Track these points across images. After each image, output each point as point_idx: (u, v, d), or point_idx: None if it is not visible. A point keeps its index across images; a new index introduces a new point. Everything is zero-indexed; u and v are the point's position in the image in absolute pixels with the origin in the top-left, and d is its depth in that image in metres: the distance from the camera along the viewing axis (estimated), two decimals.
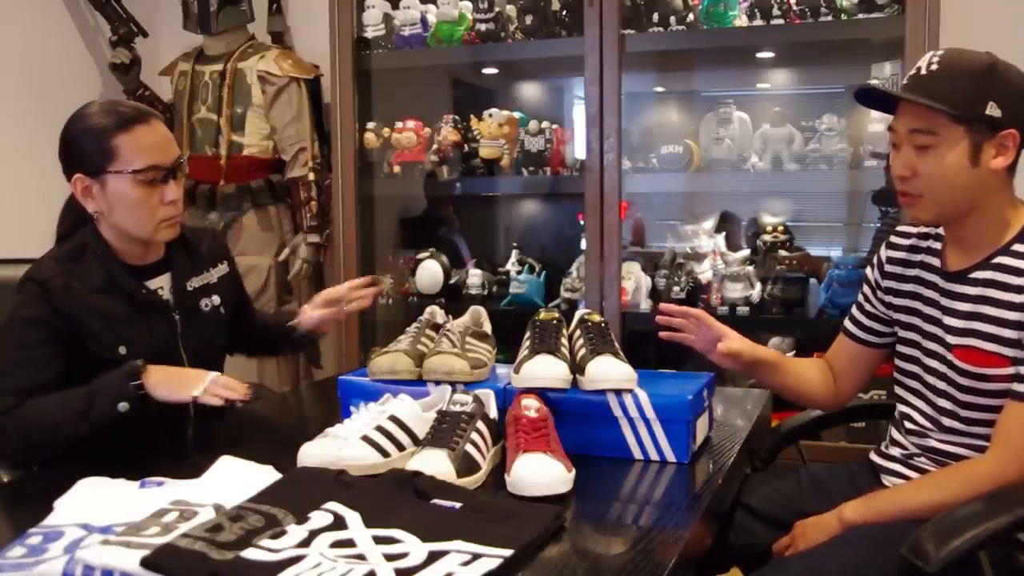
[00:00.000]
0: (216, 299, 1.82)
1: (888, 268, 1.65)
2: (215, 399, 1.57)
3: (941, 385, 1.53)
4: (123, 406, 1.54)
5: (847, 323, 1.74)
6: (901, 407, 1.63)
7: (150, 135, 1.65)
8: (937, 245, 1.58)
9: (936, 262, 1.57)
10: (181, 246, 1.77)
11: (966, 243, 1.51)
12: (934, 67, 1.42)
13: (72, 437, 1.52)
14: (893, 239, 1.67)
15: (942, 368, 1.53)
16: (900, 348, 1.63)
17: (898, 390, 1.64)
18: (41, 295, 1.60)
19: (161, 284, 1.74)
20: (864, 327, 1.70)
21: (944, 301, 1.53)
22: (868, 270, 1.71)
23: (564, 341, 1.58)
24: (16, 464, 1.56)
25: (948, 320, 1.52)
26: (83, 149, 1.63)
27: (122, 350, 1.65)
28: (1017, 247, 1.45)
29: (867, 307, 1.70)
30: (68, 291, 1.61)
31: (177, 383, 1.58)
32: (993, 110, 1.39)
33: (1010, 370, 1.43)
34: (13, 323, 1.61)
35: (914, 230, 1.64)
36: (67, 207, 1.73)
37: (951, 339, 1.50)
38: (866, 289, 1.71)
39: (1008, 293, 1.43)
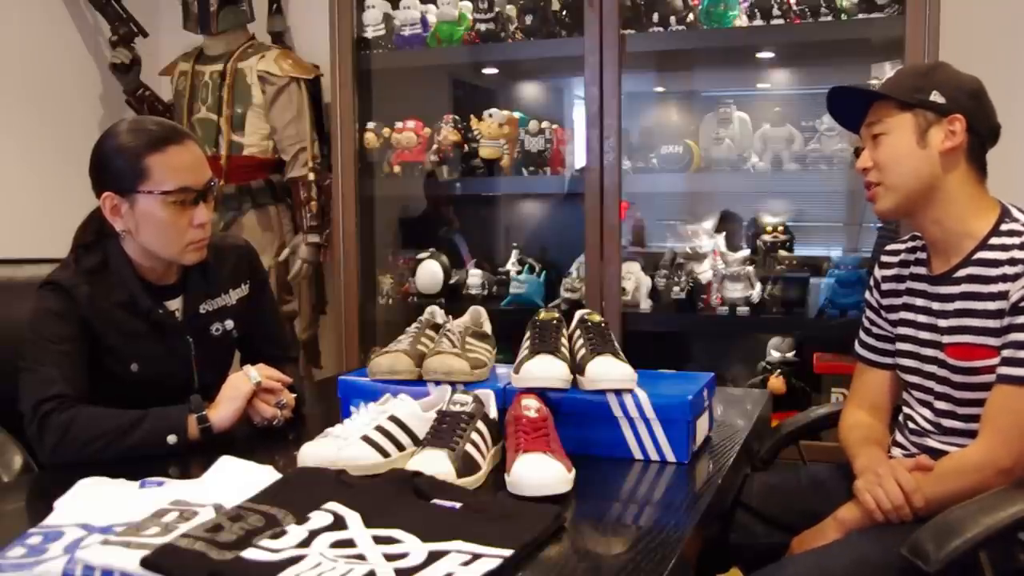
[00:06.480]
0: (229, 323, 1.79)
1: (884, 287, 1.68)
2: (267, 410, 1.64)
3: (940, 388, 1.54)
4: (172, 438, 1.52)
5: (867, 354, 1.72)
6: (906, 409, 1.65)
7: (183, 155, 1.62)
8: (923, 255, 1.62)
9: (924, 270, 1.60)
10: (199, 268, 1.73)
11: (942, 243, 1.55)
12: (890, 74, 1.63)
13: (105, 451, 1.49)
14: (883, 258, 1.70)
15: (940, 371, 1.54)
16: (901, 360, 1.65)
17: (904, 395, 1.66)
18: (66, 298, 1.60)
19: (176, 306, 1.72)
20: (881, 351, 1.70)
21: (935, 305, 1.55)
22: (867, 294, 1.73)
23: (564, 341, 1.58)
24: (43, 457, 1.52)
25: (940, 322, 1.54)
26: (114, 167, 1.61)
27: (134, 367, 1.65)
28: (992, 240, 1.49)
29: (876, 330, 1.70)
30: (91, 301, 1.60)
31: (230, 407, 1.60)
32: (937, 97, 1.51)
33: (998, 360, 1.45)
34: (42, 319, 1.59)
35: (902, 246, 1.68)
36: (91, 218, 1.70)
37: (944, 339, 1.53)
38: (870, 313, 1.72)
39: (988, 285, 1.47)
